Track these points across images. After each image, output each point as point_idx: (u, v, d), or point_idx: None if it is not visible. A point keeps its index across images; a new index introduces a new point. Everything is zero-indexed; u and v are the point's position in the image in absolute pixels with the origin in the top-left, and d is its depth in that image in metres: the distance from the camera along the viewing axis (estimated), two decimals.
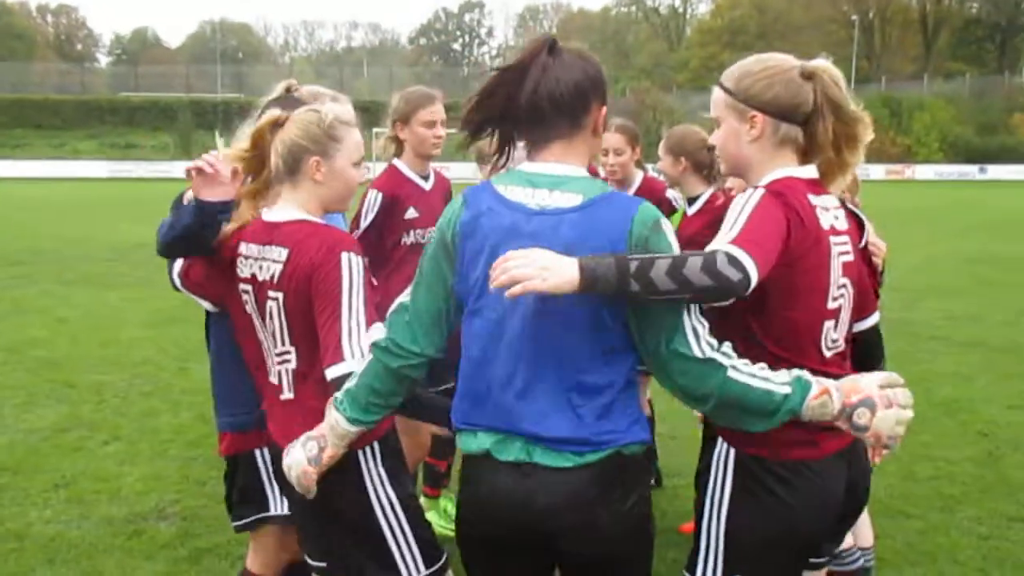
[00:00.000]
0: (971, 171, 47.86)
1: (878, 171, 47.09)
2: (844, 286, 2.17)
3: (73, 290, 11.00)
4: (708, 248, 1.89)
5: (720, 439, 2.21)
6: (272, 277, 2.34)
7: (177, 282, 2.70)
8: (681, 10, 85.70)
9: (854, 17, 63.47)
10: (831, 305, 2.14)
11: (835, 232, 2.15)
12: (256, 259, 2.39)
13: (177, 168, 43.88)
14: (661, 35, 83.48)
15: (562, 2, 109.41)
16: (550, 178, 2.02)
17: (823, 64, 2.17)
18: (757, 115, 2.16)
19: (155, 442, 5.47)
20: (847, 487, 2.21)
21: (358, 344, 2.21)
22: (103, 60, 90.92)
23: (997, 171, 47.19)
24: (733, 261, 1.82)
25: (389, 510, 2.40)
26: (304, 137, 2.36)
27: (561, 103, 2.02)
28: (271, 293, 2.35)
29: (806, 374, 1.96)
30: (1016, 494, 4.70)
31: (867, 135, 2.20)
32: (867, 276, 2.45)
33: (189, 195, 2.84)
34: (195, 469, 5.01)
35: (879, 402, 1.91)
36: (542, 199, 2.00)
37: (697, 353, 1.93)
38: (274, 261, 2.34)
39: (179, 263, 2.68)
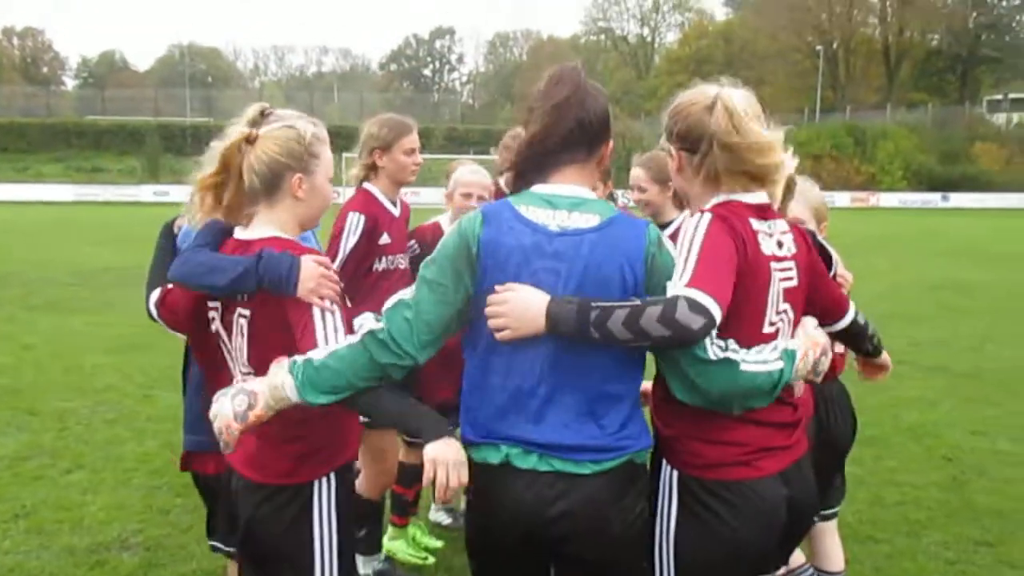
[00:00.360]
0: (934, 199, 48.65)
1: (843, 198, 47.69)
2: (784, 312, 2.22)
3: (38, 315, 10.84)
4: (669, 292, 1.97)
5: (664, 461, 2.25)
6: (242, 295, 2.27)
7: (153, 312, 2.62)
8: (649, 39, 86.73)
9: (819, 47, 64.52)
10: (767, 330, 2.18)
11: (776, 258, 2.20)
12: None
13: (144, 192, 43.58)
14: (630, 63, 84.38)
15: (532, 29, 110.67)
16: (569, 199, 2.14)
17: (720, 93, 2.19)
18: (672, 149, 2.29)
19: (119, 470, 5.38)
20: (789, 506, 2.23)
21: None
22: (69, 83, 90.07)
23: (959, 199, 47.99)
24: (695, 306, 1.89)
25: (327, 555, 2.32)
26: (284, 154, 2.30)
27: (589, 130, 2.17)
28: (241, 311, 2.30)
29: (790, 343, 2.18)
30: (981, 519, 4.75)
31: (765, 160, 2.18)
32: (835, 286, 2.50)
33: (182, 224, 2.77)
34: (159, 498, 4.92)
35: (828, 347, 2.25)
36: (562, 220, 2.10)
37: (712, 356, 2.04)
38: None
39: (156, 293, 2.62)
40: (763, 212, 2.22)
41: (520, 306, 2.01)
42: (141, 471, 5.36)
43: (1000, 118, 58.38)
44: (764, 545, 2.21)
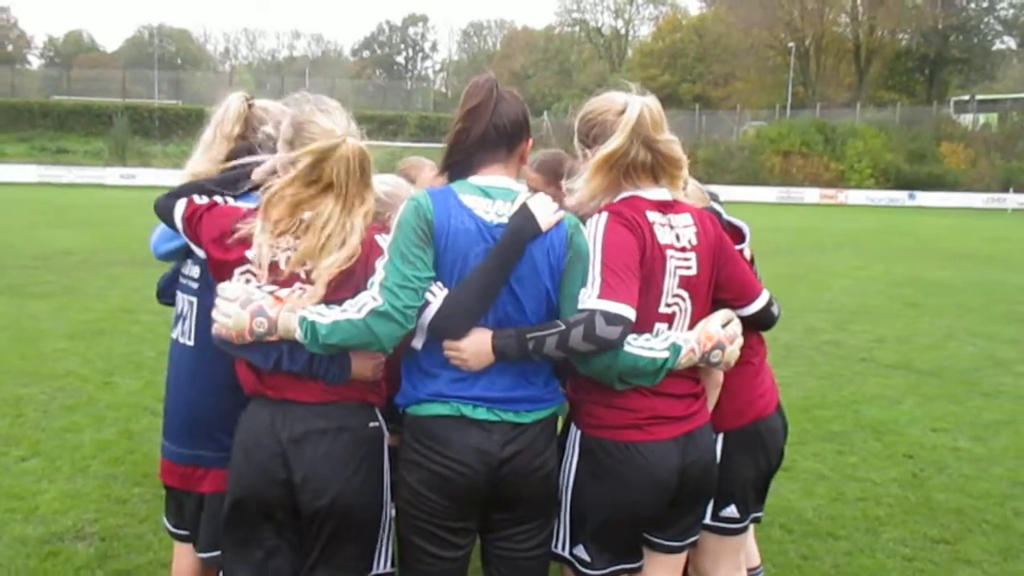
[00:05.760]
0: (901, 197, 49.13)
1: (812, 195, 48.16)
2: (679, 296, 2.45)
3: None
4: (583, 304, 2.26)
5: (572, 424, 2.53)
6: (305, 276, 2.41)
7: (179, 222, 2.54)
8: (623, 32, 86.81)
9: (791, 44, 64.89)
10: (664, 310, 2.44)
11: (673, 248, 2.43)
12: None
13: (110, 174, 42.86)
14: (604, 55, 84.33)
15: (506, 19, 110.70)
16: (502, 190, 2.41)
17: (631, 102, 2.43)
18: (586, 150, 2.51)
19: (76, 458, 5.28)
20: (682, 472, 2.46)
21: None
22: (35, 63, 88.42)
23: (925, 198, 48.50)
24: (611, 319, 2.22)
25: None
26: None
27: (504, 132, 2.42)
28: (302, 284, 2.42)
29: (679, 338, 2.41)
30: (939, 516, 4.80)
31: (673, 169, 2.47)
32: (745, 272, 2.66)
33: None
34: (116, 487, 4.84)
35: (726, 341, 2.46)
36: (499, 209, 2.37)
37: None
38: None
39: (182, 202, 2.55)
40: (663, 207, 2.46)
41: (473, 349, 2.31)
42: (99, 459, 5.27)
43: (967, 119, 58.96)
44: (645, 499, 2.44)
